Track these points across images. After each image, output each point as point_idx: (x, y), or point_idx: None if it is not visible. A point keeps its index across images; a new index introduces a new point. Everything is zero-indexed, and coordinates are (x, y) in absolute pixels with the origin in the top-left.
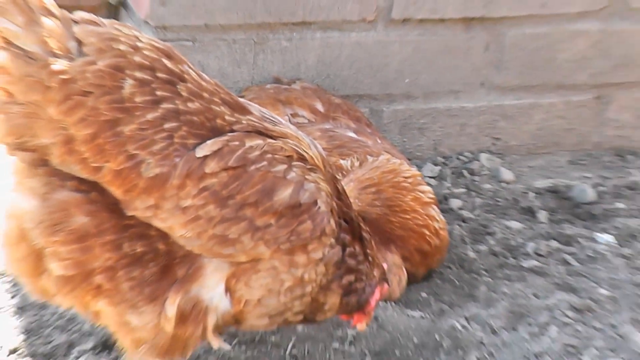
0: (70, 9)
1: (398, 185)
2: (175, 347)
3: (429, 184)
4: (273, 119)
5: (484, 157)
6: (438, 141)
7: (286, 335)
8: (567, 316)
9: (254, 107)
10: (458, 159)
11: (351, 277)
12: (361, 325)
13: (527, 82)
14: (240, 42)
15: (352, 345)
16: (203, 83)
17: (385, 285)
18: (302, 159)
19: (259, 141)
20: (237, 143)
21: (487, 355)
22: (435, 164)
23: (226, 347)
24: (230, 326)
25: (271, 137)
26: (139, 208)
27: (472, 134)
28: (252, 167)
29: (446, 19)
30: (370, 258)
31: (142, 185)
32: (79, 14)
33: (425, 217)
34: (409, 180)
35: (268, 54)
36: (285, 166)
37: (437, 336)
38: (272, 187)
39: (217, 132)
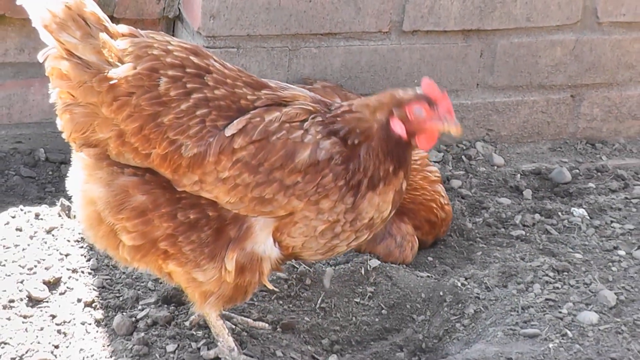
0: (133, 21)
1: (416, 169)
2: (237, 294)
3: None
4: (285, 87)
5: (479, 145)
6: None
7: (316, 291)
8: (548, 276)
9: (272, 82)
10: (458, 146)
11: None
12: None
13: (515, 83)
14: (277, 49)
15: (370, 299)
16: (226, 71)
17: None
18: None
19: (276, 113)
20: (258, 119)
21: (482, 308)
22: (439, 151)
23: (274, 288)
24: (289, 261)
25: (285, 102)
26: (187, 184)
27: (469, 126)
28: (274, 137)
29: (448, 31)
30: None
31: (184, 165)
32: (123, 27)
33: (433, 192)
34: (418, 162)
35: (300, 59)
36: (301, 132)
37: (441, 292)
38: (293, 151)
39: (242, 111)
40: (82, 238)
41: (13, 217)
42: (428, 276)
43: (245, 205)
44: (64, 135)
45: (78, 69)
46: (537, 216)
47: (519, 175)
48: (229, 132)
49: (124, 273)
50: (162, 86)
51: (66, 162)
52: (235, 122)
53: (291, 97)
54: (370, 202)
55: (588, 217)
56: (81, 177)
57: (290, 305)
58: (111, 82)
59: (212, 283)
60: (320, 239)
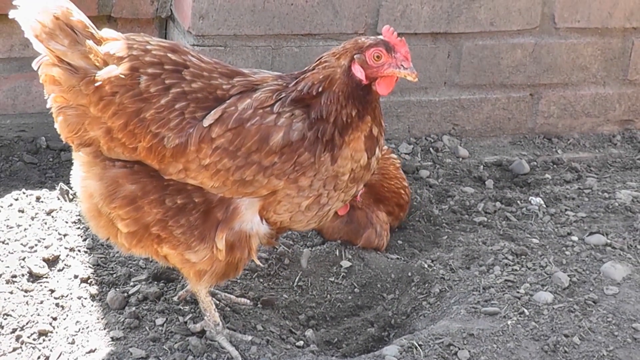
0: (129, 21)
1: (383, 157)
2: (229, 270)
3: (403, 159)
4: (257, 71)
5: (445, 138)
6: (411, 126)
7: (294, 270)
8: (508, 259)
9: (245, 69)
10: (426, 139)
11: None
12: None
13: (479, 82)
14: (261, 48)
15: (344, 279)
16: (203, 64)
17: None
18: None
19: (248, 100)
20: (232, 108)
21: (447, 288)
22: (409, 144)
23: (261, 264)
24: (284, 233)
25: (256, 86)
26: (172, 173)
27: (437, 121)
28: (248, 124)
29: (418, 33)
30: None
31: (169, 155)
32: (106, 32)
33: (401, 180)
34: (388, 152)
35: (283, 57)
36: (274, 115)
37: (409, 273)
38: (267, 135)
39: (219, 100)
40: (79, 220)
41: (16, 200)
42: (397, 258)
43: (229, 188)
44: (61, 137)
45: (68, 74)
46: (498, 204)
47: (481, 166)
48: (206, 122)
49: (117, 252)
50: (143, 84)
51: (65, 150)
52: (212, 112)
53: (261, 79)
54: (343, 155)
55: (544, 206)
56: (80, 174)
57: (270, 283)
58: (96, 84)
59: (205, 262)
60: (307, 212)
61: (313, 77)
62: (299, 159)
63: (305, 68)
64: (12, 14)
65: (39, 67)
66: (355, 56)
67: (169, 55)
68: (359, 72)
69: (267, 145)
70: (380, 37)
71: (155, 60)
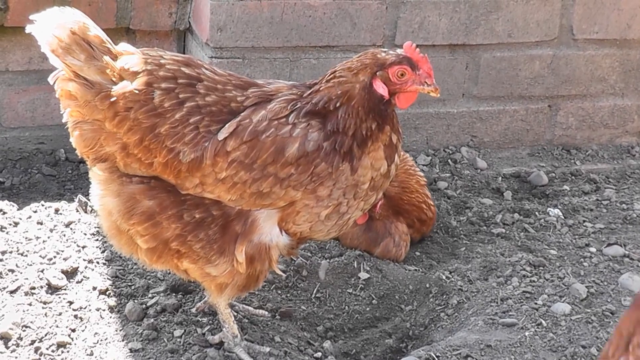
0: (147, 33)
1: (407, 172)
2: (250, 282)
3: (421, 170)
4: (271, 82)
5: (464, 150)
6: (429, 137)
7: (312, 282)
8: (526, 270)
9: (260, 80)
10: (444, 151)
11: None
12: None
13: (497, 94)
14: (279, 60)
15: (362, 290)
16: (217, 77)
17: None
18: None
19: (262, 112)
20: (247, 121)
21: (465, 299)
22: (427, 155)
23: (282, 274)
24: (305, 243)
25: (270, 97)
26: (189, 187)
27: (455, 132)
28: (263, 136)
29: (436, 45)
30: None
31: (184, 169)
32: (122, 46)
33: (424, 195)
34: (412, 167)
35: (300, 69)
36: (289, 126)
37: (427, 284)
38: (282, 146)
39: (233, 113)
40: (97, 232)
41: (35, 212)
42: (415, 269)
43: (246, 201)
44: (77, 152)
45: (84, 89)
46: (516, 215)
47: (500, 178)
48: (221, 135)
49: (135, 264)
50: (157, 99)
51: (84, 162)
52: (226, 125)
53: (275, 90)
54: (362, 164)
55: (562, 217)
56: (98, 192)
57: (288, 295)
58: (111, 100)
59: (226, 275)
60: (326, 222)
61: (329, 91)
62: (315, 170)
63: (319, 79)
64: (28, 29)
65: (55, 82)
66: (377, 73)
67: (183, 69)
68: (381, 89)
69: (282, 157)
70: (400, 51)
71: (169, 74)
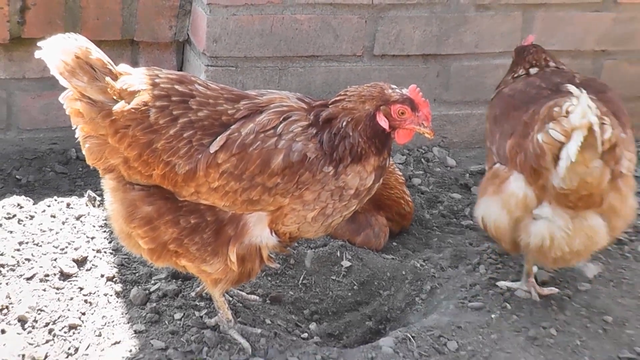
0: (149, 44)
1: (388, 171)
2: (242, 277)
3: (397, 168)
4: (264, 92)
5: (435, 149)
6: None
7: (299, 270)
8: (492, 258)
9: (253, 91)
10: (418, 150)
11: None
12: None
13: (465, 99)
14: (269, 68)
15: (344, 277)
16: (209, 92)
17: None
18: (285, 114)
19: (251, 125)
20: (236, 134)
21: (437, 285)
22: (403, 154)
23: (276, 266)
24: (296, 241)
25: (261, 109)
26: (186, 195)
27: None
28: (250, 149)
29: (411, 55)
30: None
31: (180, 180)
32: (121, 67)
33: (402, 191)
34: (391, 166)
35: (288, 77)
36: (275, 139)
37: (403, 272)
38: (268, 158)
39: (225, 125)
40: (105, 224)
41: (48, 206)
42: (393, 258)
43: (239, 206)
44: (88, 162)
45: (89, 107)
46: None
47: (467, 174)
48: (212, 148)
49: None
50: (152, 116)
51: None
52: (217, 139)
53: (267, 101)
54: (353, 173)
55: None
56: (109, 199)
57: (277, 282)
58: (112, 118)
59: (220, 273)
60: (313, 223)
61: (336, 110)
62: (300, 178)
63: (332, 99)
64: (37, 54)
65: (64, 101)
66: (381, 107)
67: (176, 86)
68: (382, 122)
69: (269, 168)
70: (406, 91)
71: (163, 93)
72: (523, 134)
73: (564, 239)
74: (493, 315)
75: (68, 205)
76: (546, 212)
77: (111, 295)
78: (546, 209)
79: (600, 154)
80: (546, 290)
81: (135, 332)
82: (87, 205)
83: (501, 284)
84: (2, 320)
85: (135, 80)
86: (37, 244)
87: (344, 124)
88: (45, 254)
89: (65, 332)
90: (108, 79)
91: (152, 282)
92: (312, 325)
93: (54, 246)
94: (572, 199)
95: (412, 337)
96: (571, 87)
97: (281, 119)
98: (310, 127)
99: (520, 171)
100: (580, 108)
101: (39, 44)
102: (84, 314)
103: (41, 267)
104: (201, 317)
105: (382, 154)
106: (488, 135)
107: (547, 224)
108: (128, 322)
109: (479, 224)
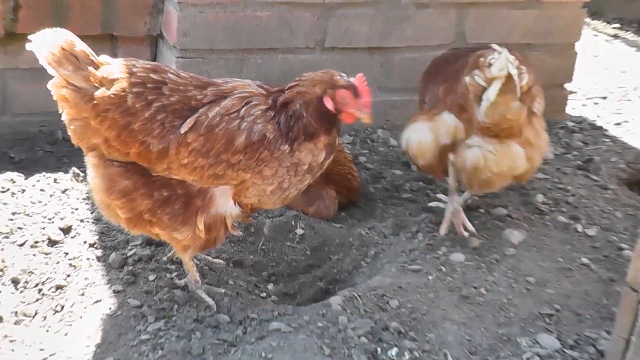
0: (127, 38)
1: (337, 149)
2: (209, 244)
3: (347, 147)
4: (229, 80)
5: (380, 131)
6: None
7: (258, 237)
8: (429, 227)
9: (219, 79)
10: (364, 132)
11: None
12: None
13: (406, 86)
14: (232, 59)
15: (298, 243)
16: (180, 80)
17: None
18: (247, 99)
19: (217, 109)
20: (203, 117)
21: (380, 251)
22: (350, 135)
23: (239, 233)
24: (258, 211)
25: (226, 95)
26: (159, 171)
27: (374, 118)
28: (217, 129)
29: (358, 48)
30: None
31: (154, 157)
32: (102, 58)
33: (350, 168)
34: (341, 145)
35: (249, 67)
36: (238, 121)
37: (350, 239)
38: (232, 138)
39: (193, 109)
40: (87, 197)
41: (38, 181)
42: (341, 227)
43: (206, 181)
44: (73, 142)
45: (73, 94)
46: (420, 183)
47: None
48: (183, 129)
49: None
50: (129, 101)
51: None
52: (187, 121)
53: (231, 88)
54: (306, 150)
55: (458, 185)
56: (91, 174)
57: (239, 247)
58: (94, 102)
59: (189, 239)
60: (272, 196)
61: (291, 94)
62: (260, 156)
63: (288, 85)
64: (28, 47)
65: (52, 88)
66: (328, 91)
67: (151, 75)
68: (329, 104)
69: (232, 146)
70: (353, 79)
71: (139, 80)
72: (454, 79)
73: (494, 160)
74: (430, 277)
75: (55, 180)
76: (477, 141)
77: (93, 260)
78: (476, 138)
79: (519, 96)
80: (470, 228)
81: (114, 291)
82: (71, 180)
83: (433, 204)
84: None
85: (115, 69)
86: (28, 215)
87: (298, 106)
88: (35, 223)
89: (52, 292)
90: (90, 68)
91: (129, 248)
92: (270, 286)
93: (42, 216)
94: (494, 130)
95: (359, 296)
96: (495, 45)
97: (243, 103)
98: (269, 110)
99: (450, 109)
100: (500, 62)
101: (29, 37)
102: (69, 275)
103: (31, 234)
104: (172, 278)
105: (331, 133)
106: (421, 91)
107: (480, 149)
108: (107, 283)
109: (402, 147)
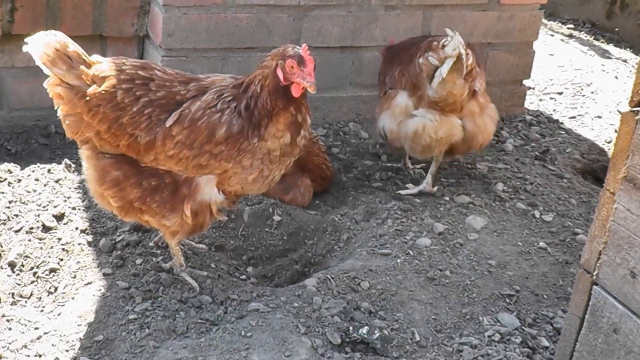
0: (115, 39)
1: (311, 140)
2: (196, 229)
3: (321, 139)
4: (210, 75)
5: (351, 124)
6: (325, 115)
7: (238, 223)
8: (397, 214)
9: (201, 75)
10: (336, 125)
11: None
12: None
13: (375, 82)
14: (213, 58)
15: (276, 229)
16: (166, 76)
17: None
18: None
19: (198, 103)
20: (187, 111)
21: (352, 235)
22: (324, 128)
23: (224, 218)
24: (242, 197)
25: (206, 89)
26: (147, 162)
27: (345, 111)
28: (199, 122)
29: (330, 47)
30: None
31: (142, 149)
32: (94, 57)
33: (324, 158)
34: (315, 137)
35: (229, 65)
36: (219, 114)
37: (324, 225)
38: (214, 130)
39: (178, 104)
40: (79, 186)
41: (33, 172)
42: (316, 214)
43: (191, 170)
44: (68, 136)
45: (67, 91)
46: (389, 173)
47: (378, 145)
48: (168, 123)
49: (108, 211)
50: (119, 96)
51: None
52: (172, 115)
53: (211, 82)
54: (271, 138)
55: (424, 174)
56: (85, 166)
57: (221, 233)
58: (86, 99)
59: (177, 225)
60: (254, 183)
61: (254, 75)
62: (241, 146)
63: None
64: (24, 48)
65: (48, 86)
66: (279, 62)
67: (139, 72)
68: (280, 75)
69: (214, 138)
70: (299, 50)
71: (128, 77)
72: (408, 61)
73: (433, 128)
74: (398, 260)
75: (49, 170)
76: (421, 112)
77: (84, 245)
78: (421, 110)
79: (464, 74)
80: (434, 190)
81: (104, 274)
82: (64, 171)
83: (403, 191)
84: None
85: (105, 67)
86: (23, 203)
87: (257, 82)
88: (30, 211)
89: (46, 275)
90: (82, 67)
91: (118, 234)
92: (249, 269)
93: (37, 204)
94: (441, 104)
95: (332, 278)
96: (447, 30)
97: (216, 97)
98: (232, 101)
99: (404, 88)
100: (453, 42)
101: (25, 39)
102: (62, 259)
103: (27, 221)
104: (158, 262)
105: (288, 109)
106: (382, 72)
107: (421, 118)
108: (98, 267)
109: (381, 134)
